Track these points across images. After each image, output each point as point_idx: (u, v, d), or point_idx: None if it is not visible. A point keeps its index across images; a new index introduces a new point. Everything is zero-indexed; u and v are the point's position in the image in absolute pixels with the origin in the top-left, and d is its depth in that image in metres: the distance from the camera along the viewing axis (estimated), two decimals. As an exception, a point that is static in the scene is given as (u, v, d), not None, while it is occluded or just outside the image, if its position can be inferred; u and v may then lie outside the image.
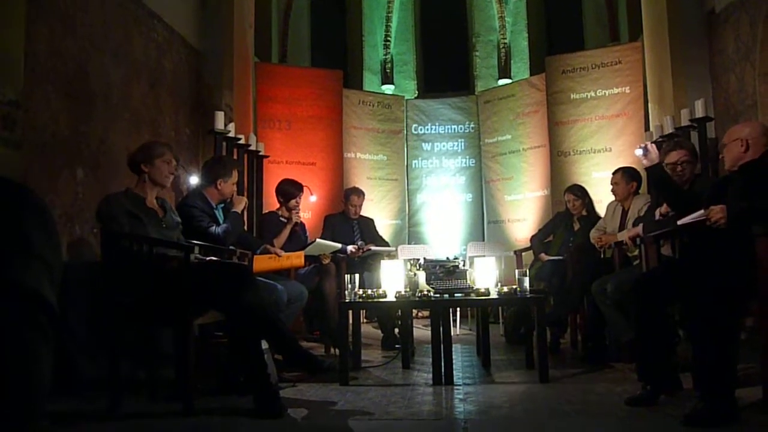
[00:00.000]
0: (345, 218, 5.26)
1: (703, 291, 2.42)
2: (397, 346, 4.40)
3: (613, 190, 4.44)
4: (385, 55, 8.63)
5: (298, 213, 4.62)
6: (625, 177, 4.35)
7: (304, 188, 4.90)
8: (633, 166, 4.52)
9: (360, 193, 5.32)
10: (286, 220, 4.61)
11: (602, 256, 4.36)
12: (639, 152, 3.26)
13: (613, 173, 4.48)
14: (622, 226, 4.24)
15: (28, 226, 0.63)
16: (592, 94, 6.29)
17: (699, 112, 4.53)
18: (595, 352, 3.86)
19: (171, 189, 4.57)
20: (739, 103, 4.64)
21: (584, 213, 4.85)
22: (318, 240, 4.60)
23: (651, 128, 5.46)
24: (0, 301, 0.61)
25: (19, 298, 0.60)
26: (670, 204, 3.33)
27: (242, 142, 5.20)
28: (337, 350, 3.92)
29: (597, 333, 3.91)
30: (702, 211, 2.68)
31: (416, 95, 8.51)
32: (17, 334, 0.60)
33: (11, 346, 0.60)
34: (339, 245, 4.70)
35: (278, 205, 4.75)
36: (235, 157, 4.99)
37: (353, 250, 4.90)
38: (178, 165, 3.17)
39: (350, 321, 3.77)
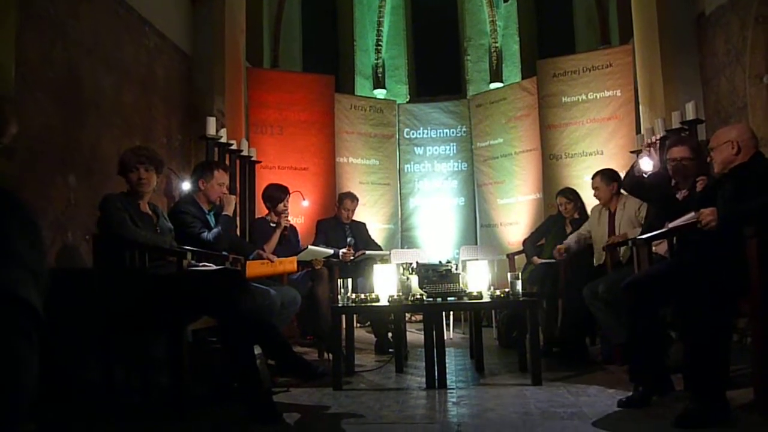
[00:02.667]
0: (337, 223, 5.27)
1: (695, 292, 2.44)
2: (390, 350, 4.40)
3: (595, 195, 4.44)
4: (377, 59, 8.64)
5: (287, 217, 4.63)
6: (604, 179, 4.35)
7: (297, 193, 4.90)
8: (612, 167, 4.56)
9: (354, 198, 5.34)
10: (275, 225, 4.61)
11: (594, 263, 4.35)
12: (645, 161, 3.26)
13: (592, 178, 4.48)
14: (612, 230, 4.25)
15: (14, 233, 0.63)
16: (584, 97, 6.31)
17: (690, 115, 4.56)
18: (575, 352, 3.88)
19: (163, 195, 4.56)
20: (730, 105, 4.67)
21: (576, 216, 4.86)
22: (310, 247, 4.61)
23: (642, 131, 5.48)
24: None
25: (4, 304, 0.60)
26: (659, 210, 3.34)
27: (234, 147, 5.20)
28: (330, 355, 3.92)
29: (577, 334, 3.94)
30: (693, 214, 2.70)
31: (408, 99, 8.53)
32: (3, 340, 0.60)
33: None
34: (331, 251, 4.70)
35: (267, 211, 4.76)
36: (227, 162, 4.98)
37: (345, 251, 4.91)
38: (157, 170, 3.14)
39: (343, 325, 3.77)
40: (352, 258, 4.94)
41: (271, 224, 4.63)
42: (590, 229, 4.44)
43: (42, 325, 0.64)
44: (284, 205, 4.62)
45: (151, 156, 3.11)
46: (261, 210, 5.44)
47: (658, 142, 3.38)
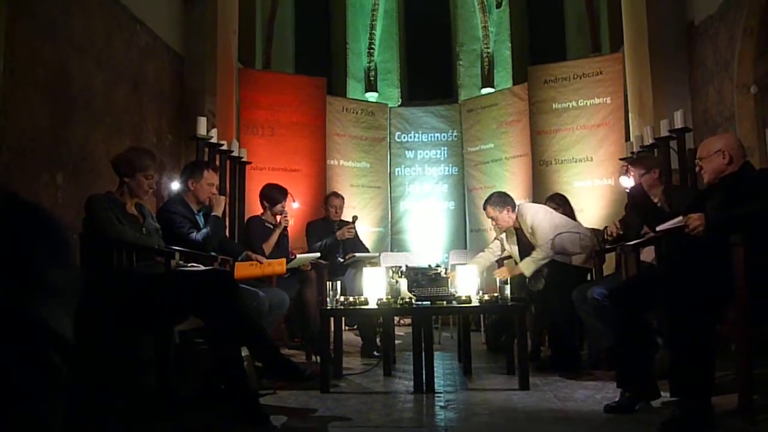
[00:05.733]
0: (327, 223, 5.27)
1: (680, 299, 2.45)
2: (375, 353, 4.40)
3: (495, 225, 4.42)
4: (369, 62, 8.65)
5: (286, 218, 4.64)
6: (496, 207, 4.28)
7: (288, 194, 4.89)
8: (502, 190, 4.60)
9: (340, 196, 5.39)
10: (272, 226, 4.61)
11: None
12: (625, 180, 3.33)
13: (483, 209, 4.41)
14: (529, 246, 4.25)
15: (42, 257, 0.51)
16: (574, 103, 6.35)
17: (678, 123, 4.60)
18: (560, 359, 3.89)
19: (152, 195, 4.53)
20: (718, 114, 4.72)
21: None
22: (299, 256, 4.60)
23: (631, 138, 5.53)
24: (6, 344, 0.49)
25: (29, 336, 0.49)
26: (647, 223, 3.36)
27: (225, 148, 5.18)
28: (318, 357, 3.91)
29: (563, 339, 3.95)
30: (680, 218, 2.71)
31: (399, 103, 8.53)
32: (26, 382, 0.49)
33: (19, 397, 0.49)
34: (318, 255, 4.70)
35: (262, 210, 4.75)
36: (217, 163, 4.97)
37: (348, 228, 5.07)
38: (161, 178, 3.16)
39: (331, 328, 3.77)
40: (352, 228, 5.09)
41: (267, 224, 4.62)
42: (505, 249, 4.49)
43: (73, 356, 0.54)
44: (282, 206, 4.63)
45: (162, 164, 3.14)
46: (251, 211, 5.42)
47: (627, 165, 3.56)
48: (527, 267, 4.12)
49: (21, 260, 0.50)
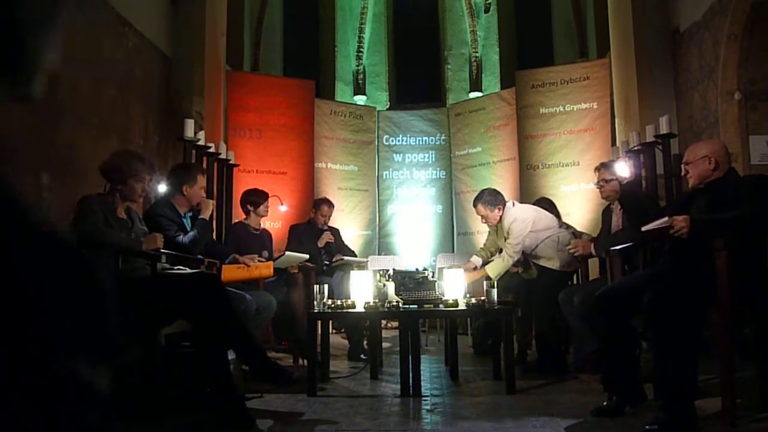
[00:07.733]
0: (311, 228, 5.23)
1: (665, 303, 2.48)
2: (363, 357, 4.40)
3: (485, 222, 4.46)
4: (358, 65, 8.66)
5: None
6: (486, 206, 4.31)
7: (275, 197, 4.88)
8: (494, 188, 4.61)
9: (331, 205, 5.34)
10: (257, 231, 4.60)
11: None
12: (622, 167, 3.34)
13: (474, 206, 4.44)
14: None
15: (75, 308, 0.47)
16: (561, 108, 6.39)
17: (663, 129, 4.65)
18: (546, 362, 3.91)
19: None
20: (702, 120, 4.77)
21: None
22: (287, 253, 4.58)
23: (617, 143, 5.57)
24: (31, 404, 0.44)
25: (57, 394, 0.45)
26: (631, 219, 3.39)
27: (212, 150, 5.16)
28: (305, 360, 3.90)
29: (549, 342, 3.97)
30: (666, 219, 2.74)
31: (388, 106, 8.55)
32: None
33: None
34: (306, 256, 4.69)
35: (245, 216, 4.71)
36: (204, 165, 4.95)
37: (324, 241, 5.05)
38: (152, 180, 3.13)
39: (319, 331, 3.76)
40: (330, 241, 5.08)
41: (251, 230, 4.60)
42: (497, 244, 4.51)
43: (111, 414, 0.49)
44: (266, 207, 4.62)
45: (153, 166, 3.11)
46: (238, 215, 5.39)
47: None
48: (493, 270, 4.15)
49: (46, 307, 0.45)
